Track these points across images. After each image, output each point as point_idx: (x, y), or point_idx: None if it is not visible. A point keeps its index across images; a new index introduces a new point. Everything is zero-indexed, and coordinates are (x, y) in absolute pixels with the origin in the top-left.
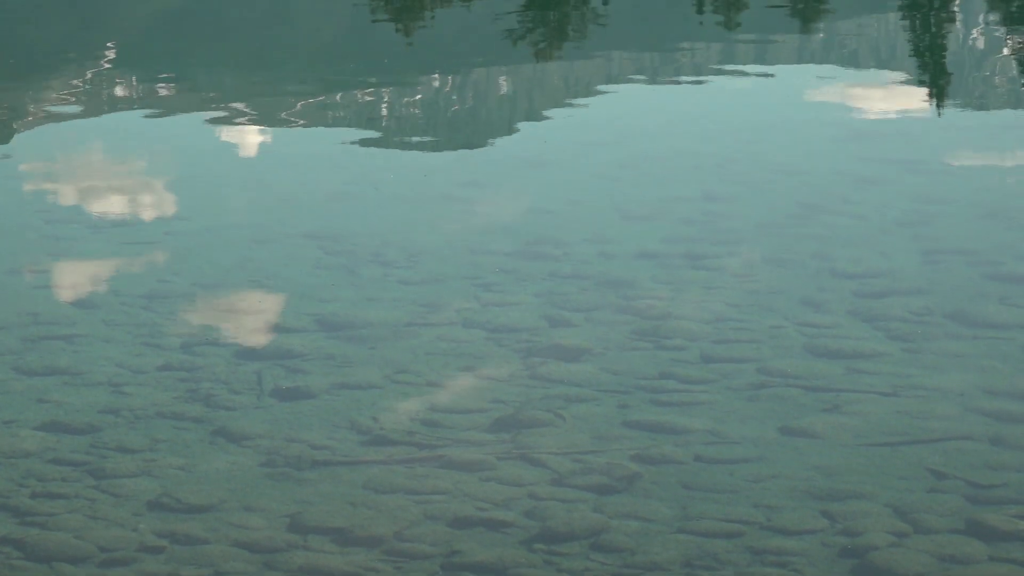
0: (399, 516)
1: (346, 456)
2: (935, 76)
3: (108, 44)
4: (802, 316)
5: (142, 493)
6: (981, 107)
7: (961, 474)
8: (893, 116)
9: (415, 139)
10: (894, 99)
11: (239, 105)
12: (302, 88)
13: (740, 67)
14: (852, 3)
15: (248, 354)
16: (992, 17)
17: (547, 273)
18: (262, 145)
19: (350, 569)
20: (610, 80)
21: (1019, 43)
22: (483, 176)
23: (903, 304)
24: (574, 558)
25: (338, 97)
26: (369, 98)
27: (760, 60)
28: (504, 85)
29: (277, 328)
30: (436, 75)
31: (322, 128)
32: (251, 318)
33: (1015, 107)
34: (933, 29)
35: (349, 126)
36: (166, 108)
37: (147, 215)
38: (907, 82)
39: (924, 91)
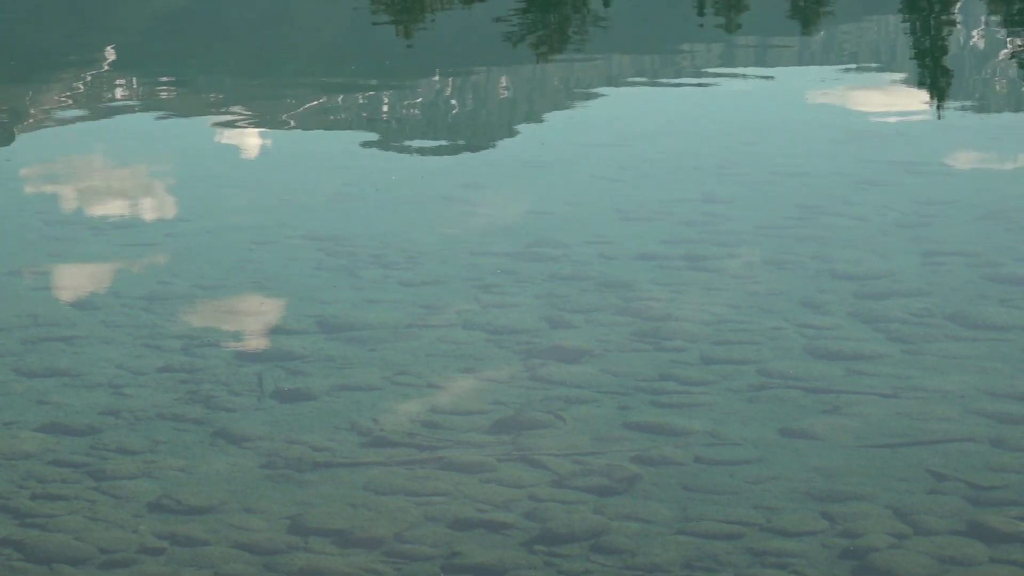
0: (399, 517)
1: (346, 457)
2: (935, 78)
3: (108, 46)
4: (802, 317)
5: (142, 494)
6: (981, 109)
7: (961, 475)
8: (893, 117)
9: (415, 140)
10: (894, 100)
11: (239, 106)
12: (302, 89)
13: (740, 69)
14: (853, 4)
15: (248, 356)
16: (993, 19)
17: (547, 274)
18: (262, 146)
19: (350, 570)
20: (610, 82)
21: (1020, 45)
22: (483, 177)
23: (903, 305)
24: (574, 559)
25: (338, 98)
26: (369, 99)
27: (760, 62)
28: (504, 87)
29: (277, 329)
30: (436, 77)
31: (322, 129)
32: (251, 319)
33: (1015, 108)
34: (933, 31)
35: (349, 127)
36: (166, 109)
37: (147, 216)
38: (907, 83)
39: (924, 92)
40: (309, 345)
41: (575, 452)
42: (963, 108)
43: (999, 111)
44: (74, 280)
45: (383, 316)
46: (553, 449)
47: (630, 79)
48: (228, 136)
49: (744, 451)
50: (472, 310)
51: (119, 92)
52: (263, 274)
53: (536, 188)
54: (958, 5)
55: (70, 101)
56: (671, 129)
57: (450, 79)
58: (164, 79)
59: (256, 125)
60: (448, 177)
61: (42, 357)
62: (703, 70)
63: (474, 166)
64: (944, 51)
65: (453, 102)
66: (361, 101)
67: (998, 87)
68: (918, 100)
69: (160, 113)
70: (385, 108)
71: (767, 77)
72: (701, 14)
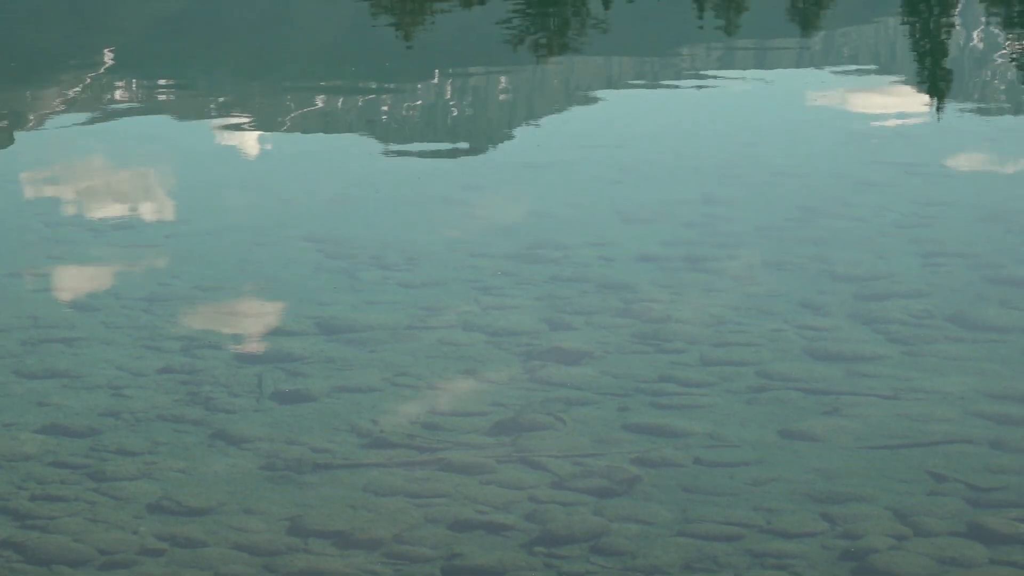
0: (399, 519)
1: (346, 459)
2: (935, 79)
3: (108, 47)
4: (802, 319)
5: (142, 496)
6: (981, 110)
7: (961, 477)
8: (893, 119)
9: (415, 142)
10: (894, 102)
11: (239, 108)
12: (302, 91)
13: (740, 70)
14: (853, 6)
15: (248, 357)
16: (992, 20)
17: (547, 276)
18: (262, 148)
19: (350, 572)
20: (610, 84)
21: (1019, 46)
22: (483, 179)
23: (903, 307)
24: (574, 561)
25: (338, 100)
26: (369, 101)
27: (760, 63)
28: (504, 88)
29: (277, 331)
30: (436, 78)
31: (322, 131)
32: (251, 321)
33: (1015, 110)
34: (933, 32)
35: (349, 129)
36: (166, 111)
37: (147, 218)
38: (907, 85)
39: (924, 94)
40: (309, 346)
41: (575, 454)
42: (963, 109)
43: (999, 112)
44: (74, 281)
45: (383, 318)
46: (553, 451)
47: (630, 81)
48: (228, 138)
49: (744, 452)
50: (472, 312)
51: (119, 93)
52: (263, 276)
53: (536, 190)
54: (958, 7)
55: (70, 102)
56: (671, 131)
57: (450, 81)
58: (164, 80)
59: (256, 127)
60: (448, 179)
61: (42, 358)
62: (703, 72)
63: (474, 168)
64: (944, 52)
65: (453, 104)
66: (361, 103)
67: (998, 88)
68: (918, 101)
69: (160, 114)
70: (385, 110)
71: (767, 79)
72: (701, 16)
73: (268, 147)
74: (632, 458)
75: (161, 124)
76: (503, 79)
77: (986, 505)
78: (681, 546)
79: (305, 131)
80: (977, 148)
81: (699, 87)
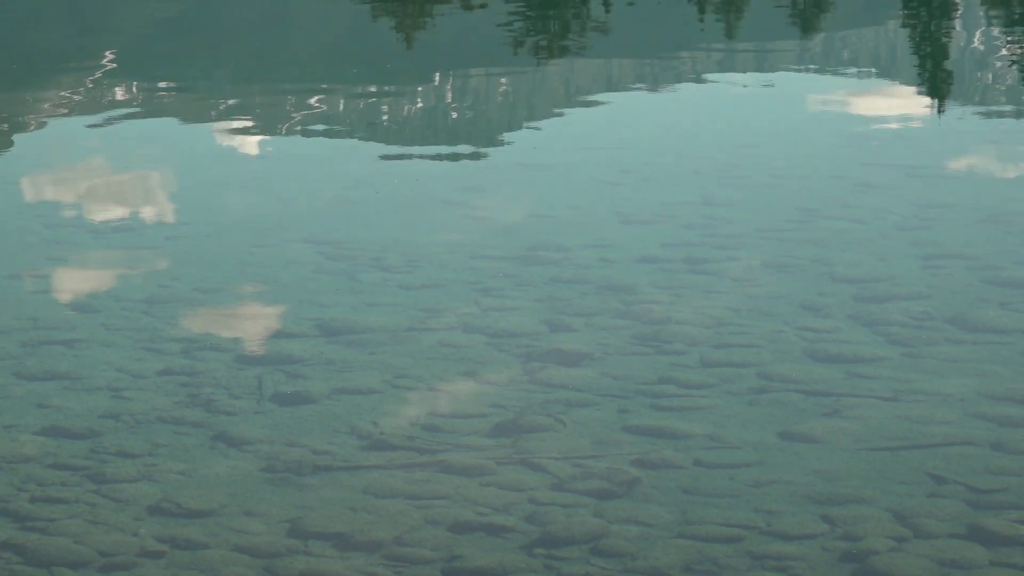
0: (399, 521)
1: (346, 461)
2: (935, 81)
3: (108, 49)
4: (802, 321)
5: (142, 498)
6: (981, 112)
7: (962, 478)
8: (893, 121)
9: (415, 144)
10: (894, 104)
11: (239, 110)
12: (302, 92)
13: (740, 72)
14: (853, 8)
15: (248, 359)
16: (993, 22)
17: (547, 278)
18: (262, 150)
19: (350, 574)
20: (610, 86)
21: (1020, 48)
22: (483, 181)
23: (903, 309)
24: (574, 563)
25: (338, 102)
26: (369, 103)
27: (760, 65)
28: (505, 90)
29: (277, 333)
30: (436, 80)
31: (322, 133)
32: (251, 323)
33: (1015, 112)
34: (934, 34)
35: (349, 130)
36: (166, 113)
37: (147, 220)
38: (907, 87)
39: (924, 96)
40: (309, 348)
41: (575, 455)
42: (963, 111)
43: (999, 114)
44: (74, 283)
45: (383, 319)
46: (553, 452)
47: (630, 83)
48: (228, 139)
49: (744, 454)
50: (472, 313)
51: (119, 95)
52: (263, 277)
53: (536, 191)
54: (958, 8)
55: (70, 104)
56: (671, 132)
57: (450, 82)
58: (164, 82)
59: (256, 128)
60: (448, 180)
61: (42, 360)
62: (703, 74)
63: (474, 169)
64: (944, 54)
65: (453, 106)
66: (361, 105)
67: (998, 90)
68: (918, 103)
69: (160, 116)
70: (385, 112)
71: (767, 80)
72: (701, 19)
73: (268, 149)
74: (632, 460)
75: (161, 126)
76: (503, 81)
77: (986, 507)
78: (681, 548)
79: (305, 133)
80: (977, 150)
81: (699, 89)
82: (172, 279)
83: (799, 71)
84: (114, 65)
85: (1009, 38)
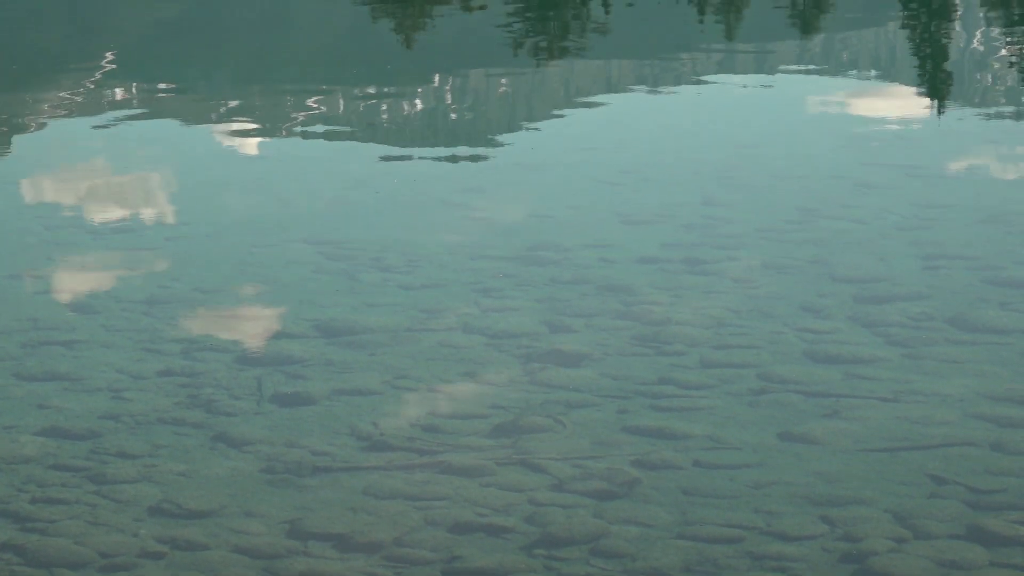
0: (399, 522)
1: (346, 462)
2: (935, 81)
3: (107, 50)
4: (802, 321)
5: (142, 499)
6: (981, 112)
7: (961, 479)
8: (893, 121)
9: (415, 144)
10: (894, 105)
11: (239, 111)
12: (302, 93)
13: (740, 73)
14: (853, 9)
15: (248, 360)
16: (993, 22)
17: (547, 278)
18: (262, 150)
19: (350, 575)
20: (610, 86)
21: (1019, 49)
22: (483, 182)
23: (903, 309)
24: (574, 563)
25: (339, 102)
26: (369, 103)
27: (760, 66)
28: (504, 91)
29: (277, 334)
30: (436, 80)
31: (322, 133)
32: (251, 323)
33: (1015, 112)
34: (934, 35)
35: (349, 131)
36: (166, 114)
37: (147, 220)
38: (907, 87)
39: (924, 96)
40: (309, 349)
41: (575, 456)
42: (963, 112)
43: (999, 115)
44: (74, 284)
45: (383, 320)
46: (553, 453)
47: (630, 84)
48: (228, 140)
49: (744, 455)
50: (472, 314)
51: (119, 96)
52: (263, 278)
53: (536, 192)
54: (958, 9)
55: (70, 105)
56: (670, 133)
57: (450, 83)
58: (164, 83)
59: (256, 129)
60: (448, 181)
61: (42, 361)
62: (703, 75)
63: (474, 170)
64: (944, 55)
65: (453, 106)
66: (361, 105)
67: (998, 91)
68: (918, 104)
69: (160, 117)
70: (385, 112)
71: (767, 81)
72: (701, 20)
73: (268, 149)
74: (632, 460)
75: (161, 126)
76: (503, 82)
77: (986, 507)
78: (681, 548)
79: (305, 133)
80: (977, 151)
81: (699, 89)
82: (172, 280)
83: (799, 72)
84: (114, 66)
85: (1009, 39)
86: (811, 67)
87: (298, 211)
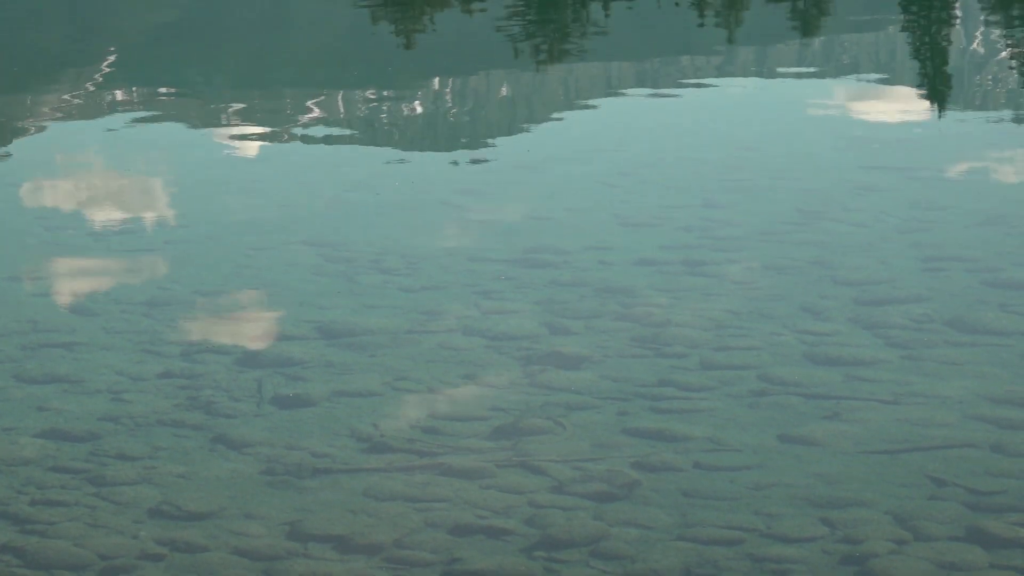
0: (399, 524)
1: (346, 463)
2: (935, 83)
3: (108, 52)
4: (802, 323)
5: (142, 500)
6: (981, 115)
7: (961, 481)
8: (893, 123)
9: (414, 146)
10: (894, 106)
11: (238, 112)
12: (301, 95)
13: (740, 75)
14: (852, 10)
15: (248, 361)
16: (993, 23)
17: (547, 280)
18: (262, 152)
19: None
20: (609, 88)
21: (1020, 51)
22: (482, 183)
23: (903, 311)
24: (574, 565)
25: (338, 104)
26: (369, 105)
27: (760, 68)
28: (504, 92)
29: (277, 335)
30: (436, 82)
31: (321, 135)
32: (251, 325)
33: (1015, 114)
34: (934, 37)
35: (349, 133)
36: (166, 116)
37: (147, 222)
38: (907, 89)
39: (924, 98)
40: (309, 351)
41: (575, 458)
42: (963, 113)
43: (998, 116)
44: (74, 286)
45: (383, 322)
46: (553, 455)
47: (630, 85)
48: (227, 142)
49: (744, 457)
50: (472, 316)
51: (119, 98)
52: (263, 280)
53: (535, 194)
54: (958, 11)
55: (70, 107)
56: (670, 135)
57: (450, 84)
58: (164, 85)
59: (255, 131)
60: (447, 183)
61: (42, 363)
62: (703, 76)
63: (473, 172)
64: (944, 58)
65: (453, 108)
66: (361, 107)
67: (998, 93)
68: (918, 106)
69: (159, 119)
70: (385, 114)
71: (767, 83)
72: (702, 22)
73: (267, 151)
74: (632, 462)
75: (161, 128)
76: (503, 84)
77: (986, 509)
78: (681, 550)
79: (305, 135)
80: (977, 153)
81: (699, 91)
82: (172, 282)
83: (799, 74)
84: (114, 67)
85: (1009, 41)
86: (811, 69)
87: (298, 213)
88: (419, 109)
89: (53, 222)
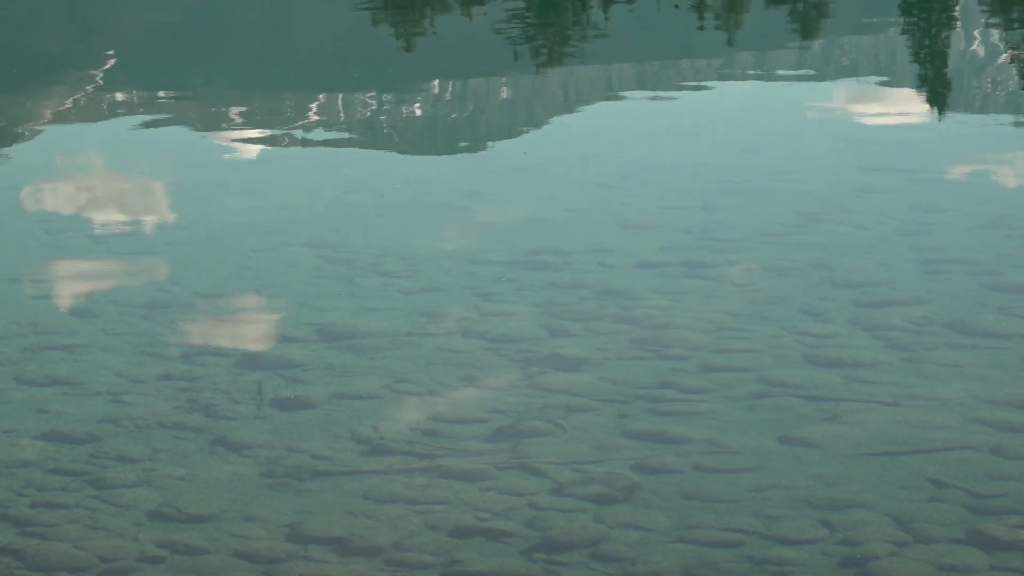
0: (399, 526)
1: (346, 466)
2: (935, 85)
3: (107, 53)
4: (802, 325)
5: (142, 503)
6: (981, 116)
7: (961, 483)
8: (893, 125)
9: (415, 148)
10: (894, 108)
11: (238, 114)
12: (301, 97)
13: (740, 77)
14: (852, 12)
15: (248, 363)
16: (992, 26)
17: (546, 282)
18: (262, 154)
19: None
20: (609, 90)
21: (1020, 53)
22: (482, 185)
23: (903, 313)
24: (574, 568)
25: (338, 106)
26: (369, 107)
27: (760, 69)
28: (504, 95)
29: (277, 337)
30: (436, 84)
31: (322, 137)
32: (251, 327)
33: (1015, 116)
34: (933, 38)
35: (349, 134)
36: (166, 118)
37: (147, 224)
38: (907, 91)
39: (924, 100)
40: (309, 353)
41: (575, 460)
42: (963, 115)
43: (999, 119)
44: (74, 288)
45: (382, 324)
46: (553, 457)
47: (630, 88)
48: (227, 143)
49: (744, 459)
50: (471, 318)
51: (119, 99)
52: (262, 282)
53: (535, 196)
54: (958, 12)
55: (70, 109)
56: (670, 137)
57: (450, 86)
58: (164, 87)
59: (255, 132)
60: (447, 185)
61: (42, 365)
62: (703, 79)
63: (473, 174)
64: (944, 59)
65: (453, 110)
66: (361, 109)
67: (998, 94)
68: (918, 108)
69: (159, 121)
70: (384, 115)
71: (767, 84)
72: (702, 25)
73: (267, 153)
74: (632, 464)
75: (161, 130)
76: (503, 86)
77: (986, 512)
78: (681, 553)
79: (305, 137)
80: (977, 155)
81: (699, 93)
82: (172, 284)
83: (799, 77)
84: (114, 69)
85: (1009, 44)
86: (811, 72)
87: (298, 215)
88: (419, 112)
89: (53, 224)
